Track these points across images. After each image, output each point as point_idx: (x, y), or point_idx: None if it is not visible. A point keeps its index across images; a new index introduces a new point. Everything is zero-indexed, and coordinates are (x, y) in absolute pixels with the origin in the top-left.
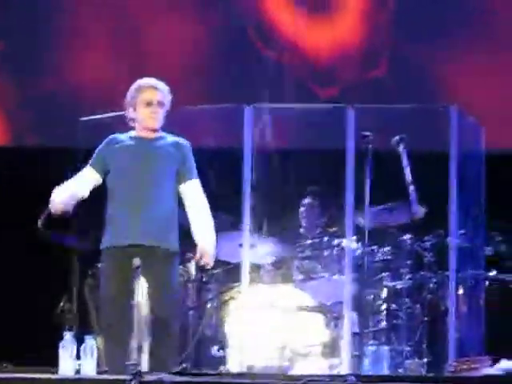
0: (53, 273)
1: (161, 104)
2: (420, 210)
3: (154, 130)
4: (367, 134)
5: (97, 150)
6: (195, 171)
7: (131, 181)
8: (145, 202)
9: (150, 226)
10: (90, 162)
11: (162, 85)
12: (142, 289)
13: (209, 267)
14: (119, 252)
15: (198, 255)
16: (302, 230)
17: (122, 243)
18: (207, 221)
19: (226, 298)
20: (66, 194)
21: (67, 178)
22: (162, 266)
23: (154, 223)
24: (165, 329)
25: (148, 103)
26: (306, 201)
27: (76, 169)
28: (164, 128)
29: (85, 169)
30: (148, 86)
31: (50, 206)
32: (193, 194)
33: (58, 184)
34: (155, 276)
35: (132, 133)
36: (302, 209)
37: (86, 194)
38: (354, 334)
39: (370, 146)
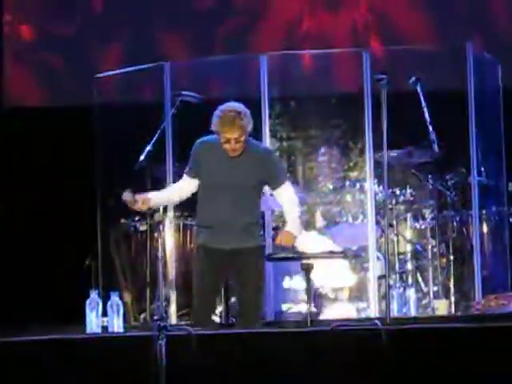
0: (77, 232)
1: (238, 140)
2: (440, 149)
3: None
4: (382, 76)
5: (190, 157)
6: (284, 174)
7: (220, 188)
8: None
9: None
10: (186, 170)
11: (239, 120)
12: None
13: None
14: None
15: (280, 236)
16: (321, 177)
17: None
18: (296, 218)
19: None
20: (161, 202)
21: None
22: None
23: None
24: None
25: (226, 140)
26: (325, 147)
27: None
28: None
29: (182, 179)
30: (226, 125)
31: (136, 201)
32: (286, 195)
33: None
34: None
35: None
36: (321, 156)
37: (178, 200)
38: (380, 277)
39: (386, 88)
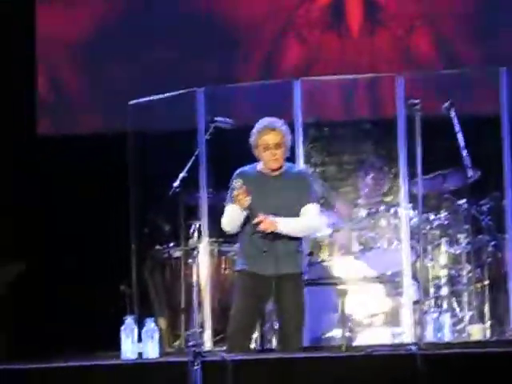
0: (112, 258)
1: (278, 145)
2: (475, 173)
3: (276, 170)
4: (416, 101)
5: (229, 189)
6: (315, 197)
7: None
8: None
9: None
10: (226, 202)
11: (279, 125)
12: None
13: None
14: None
15: (262, 216)
16: (360, 202)
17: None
18: (299, 223)
19: None
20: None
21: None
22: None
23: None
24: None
25: (266, 147)
26: (367, 173)
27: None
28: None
29: (226, 210)
30: (265, 129)
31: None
32: (308, 212)
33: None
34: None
35: (258, 167)
36: (362, 182)
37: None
38: (415, 302)
39: (420, 113)
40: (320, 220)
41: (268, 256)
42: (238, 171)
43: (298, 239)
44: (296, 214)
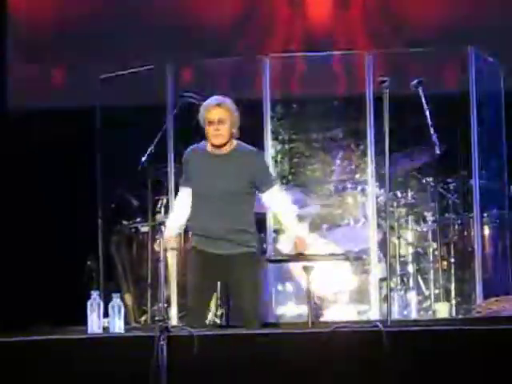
0: (79, 233)
1: (221, 121)
2: (441, 149)
3: (220, 146)
4: (385, 79)
5: (183, 168)
6: (273, 177)
7: (209, 195)
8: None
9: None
10: (180, 181)
11: (224, 101)
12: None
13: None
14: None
15: (297, 242)
16: (327, 179)
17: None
18: (295, 218)
19: None
20: (178, 231)
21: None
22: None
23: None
24: None
25: (209, 122)
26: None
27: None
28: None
29: (180, 191)
30: (209, 106)
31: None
32: (279, 196)
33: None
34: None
35: (208, 146)
36: (331, 159)
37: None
38: (382, 280)
39: (388, 90)
40: (288, 199)
41: (216, 237)
42: (189, 148)
43: (247, 218)
44: (243, 194)
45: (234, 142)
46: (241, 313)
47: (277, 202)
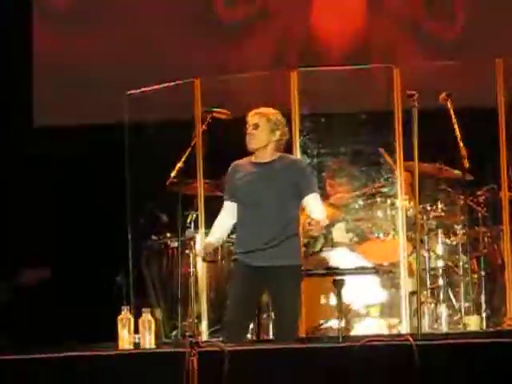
0: (109, 249)
1: (256, 126)
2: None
3: (259, 155)
4: (413, 92)
5: (225, 183)
6: (314, 185)
7: (255, 202)
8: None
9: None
10: (224, 195)
11: (264, 111)
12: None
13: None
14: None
15: (313, 221)
16: (354, 193)
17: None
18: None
19: None
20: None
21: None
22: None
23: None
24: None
25: (247, 128)
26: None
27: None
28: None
29: (223, 207)
30: (250, 113)
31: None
32: (317, 205)
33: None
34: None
35: (252, 157)
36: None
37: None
38: (412, 293)
39: (416, 104)
40: (324, 210)
41: (261, 246)
42: (232, 163)
43: (293, 225)
44: (286, 203)
45: (278, 153)
46: (280, 324)
47: (313, 208)
